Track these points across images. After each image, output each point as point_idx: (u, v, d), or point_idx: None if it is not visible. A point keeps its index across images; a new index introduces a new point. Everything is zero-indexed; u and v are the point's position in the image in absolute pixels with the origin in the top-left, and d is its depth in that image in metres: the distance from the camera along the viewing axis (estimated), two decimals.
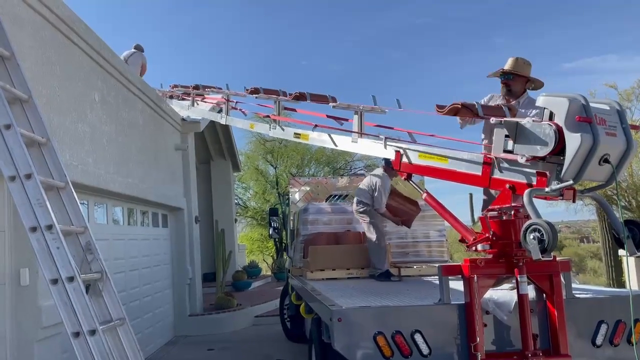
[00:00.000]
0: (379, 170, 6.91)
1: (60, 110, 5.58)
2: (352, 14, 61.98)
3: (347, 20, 62.75)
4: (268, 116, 6.57)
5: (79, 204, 3.70)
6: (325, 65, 61.85)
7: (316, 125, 5.64)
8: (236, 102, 7.67)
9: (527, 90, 4.70)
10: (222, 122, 8.16)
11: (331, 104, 5.53)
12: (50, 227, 3.25)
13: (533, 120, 3.42)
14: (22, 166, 3.33)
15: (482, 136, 4.68)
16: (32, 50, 5.12)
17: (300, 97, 6.35)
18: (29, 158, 3.36)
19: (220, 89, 8.52)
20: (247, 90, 7.38)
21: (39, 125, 3.75)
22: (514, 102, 4.59)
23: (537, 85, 4.71)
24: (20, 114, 3.72)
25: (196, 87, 9.33)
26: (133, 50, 11.57)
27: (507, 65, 4.62)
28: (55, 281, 3.20)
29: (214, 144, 16.49)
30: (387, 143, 4.63)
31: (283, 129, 6.32)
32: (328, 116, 5.74)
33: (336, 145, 5.33)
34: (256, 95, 7.16)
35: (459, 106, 3.95)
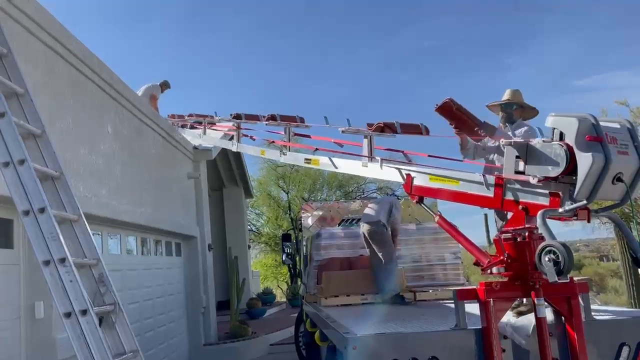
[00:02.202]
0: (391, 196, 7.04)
1: (73, 143, 5.67)
2: (360, 39, 62.80)
3: (355, 44, 63.54)
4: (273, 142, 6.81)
5: (91, 236, 3.72)
6: (336, 88, 62.37)
7: (344, 153, 5.59)
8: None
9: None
10: (234, 149, 8.23)
11: (340, 129, 5.54)
12: (63, 261, 3.26)
13: (543, 141, 3.40)
14: (35, 200, 3.37)
15: (492, 156, 4.67)
16: (45, 85, 5.23)
17: (272, 118, 6.75)
18: (43, 192, 3.39)
19: (213, 116, 8.98)
20: (232, 115, 7.90)
21: (52, 160, 3.80)
22: (505, 128, 4.67)
23: (532, 114, 4.76)
24: (34, 148, 3.78)
25: (190, 116, 9.73)
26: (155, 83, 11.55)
27: (510, 97, 4.69)
28: (68, 314, 3.20)
29: (226, 171, 16.61)
30: (396, 166, 4.62)
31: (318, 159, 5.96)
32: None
33: (365, 173, 5.25)
34: (267, 122, 7.28)
35: (382, 125, 4.56)
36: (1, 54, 3.90)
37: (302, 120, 6.68)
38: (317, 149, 5.86)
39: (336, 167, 5.66)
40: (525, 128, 4.49)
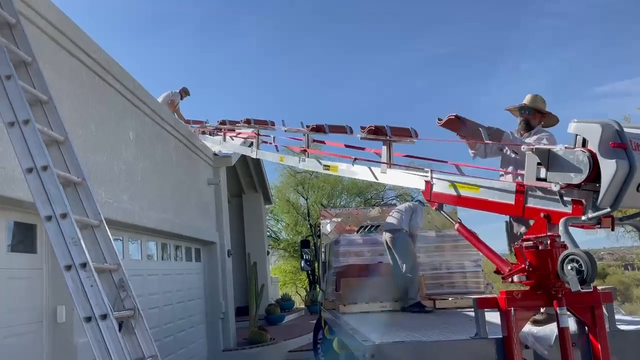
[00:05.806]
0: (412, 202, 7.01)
1: (96, 150, 5.76)
2: (376, 47, 62.69)
3: (371, 52, 63.45)
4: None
5: (112, 241, 3.76)
6: (352, 96, 62.28)
7: (355, 159, 5.57)
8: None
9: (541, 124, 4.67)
10: (253, 155, 8.28)
11: (358, 135, 5.53)
12: (84, 266, 3.30)
13: (565, 147, 3.34)
14: (58, 206, 3.42)
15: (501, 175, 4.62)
16: (70, 93, 5.33)
17: (247, 122, 7.86)
18: (65, 198, 3.44)
19: (206, 122, 10.20)
20: (219, 122, 9.33)
21: (74, 165, 3.85)
22: (525, 134, 4.59)
23: (552, 122, 4.68)
24: (57, 154, 3.84)
25: (187, 122, 10.50)
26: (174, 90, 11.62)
27: (528, 101, 4.62)
28: (89, 319, 3.23)
29: (245, 177, 16.69)
30: (416, 173, 4.60)
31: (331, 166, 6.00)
32: (346, 146, 5.88)
33: (376, 179, 5.21)
34: (285, 129, 7.34)
35: (315, 126, 4.68)
36: (26, 62, 3.98)
37: (272, 123, 7.36)
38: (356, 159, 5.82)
39: (354, 174, 5.66)
40: (545, 135, 4.40)
